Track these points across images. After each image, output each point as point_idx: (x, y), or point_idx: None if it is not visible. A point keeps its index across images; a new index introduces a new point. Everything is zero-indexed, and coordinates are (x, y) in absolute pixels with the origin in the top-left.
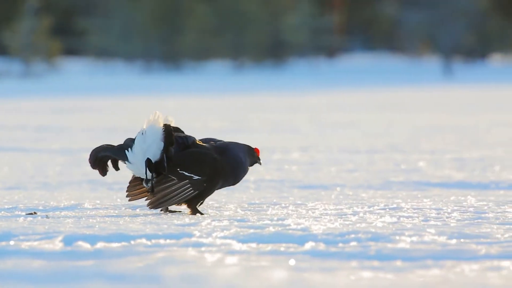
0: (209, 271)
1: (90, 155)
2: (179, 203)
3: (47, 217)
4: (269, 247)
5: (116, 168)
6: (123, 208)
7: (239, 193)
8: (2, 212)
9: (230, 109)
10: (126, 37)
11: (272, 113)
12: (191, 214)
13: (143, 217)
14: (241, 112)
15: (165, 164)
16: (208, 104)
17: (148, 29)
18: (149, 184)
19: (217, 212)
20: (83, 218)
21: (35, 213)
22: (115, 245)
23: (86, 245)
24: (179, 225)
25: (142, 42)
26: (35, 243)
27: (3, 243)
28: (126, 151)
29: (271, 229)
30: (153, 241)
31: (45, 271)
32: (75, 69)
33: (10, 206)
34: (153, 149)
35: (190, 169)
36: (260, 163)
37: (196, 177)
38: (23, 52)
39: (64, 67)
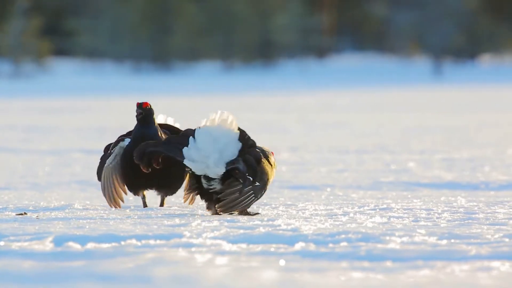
0: (200, 271)
1: (138, 149)
2: (243, 209)
3: (37, 217)
4: (259, 247)
5: (159, 164)
6: (113, 208)
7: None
8: None
9: (219, 109)
10: (115, 37)
11: (262, 114)
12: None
13: (133, 218)
14: (231, 113)
15: (242, 166)
16: (197, 105)
17: (138, 30)
18: (213, 184)
19: (207, 212)
20: (73, 219)
21: (25, 213)
22: (105, 245)
23: (77, 246)
24: (169, 226)
25: (132, 43)
26: (25, 243)
27: None
28: (186, 148)
29: (261, 229)
30: (143, 241)
31: (35, 271)
32: (64, 69)
33: (0, 207)
34: (231, 149)
35: (256, 175)
36: None
37: (258, 184)
38: (13, 52)
39: (53, 67)
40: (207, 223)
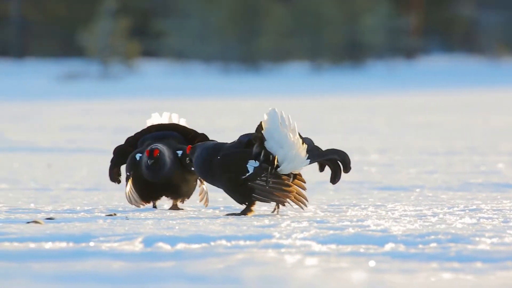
0: (289, 272)
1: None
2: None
3: (127, 218)
4: (348, 248)
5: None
6: (203, 209)
7: (319, 195)
8: (82, 213)
9: (307, 111)
10: (203, 38)
11: (350, 115)
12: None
13: (222, 219)
14: (319, 114)
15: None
16: (285, 106)
17: (226, 31)
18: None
19: (297, 213)
20: (163, 220)
21: (115, 214)
22: (195, 246)
23: (166, 246)
24: (258, 227)
25: (220, 44)
26: (115, 244)
27: (83, 244)
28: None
29: (351, 230)
30: (232, 242)
31: (124, 272)
32: (152, 70)
33: (90, 208)
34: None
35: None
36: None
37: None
38: (101, 53)
39: (141, 68)
40: (297, 224)
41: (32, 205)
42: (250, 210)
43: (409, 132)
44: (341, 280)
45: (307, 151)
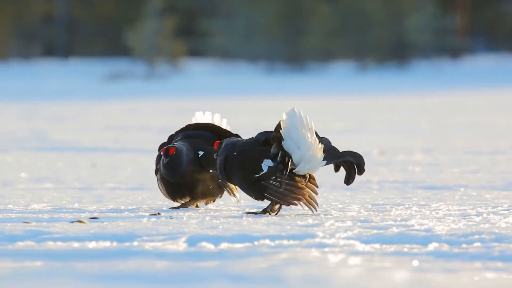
0: (332, 272)
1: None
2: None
3: (171, 218)
4: (392, 247)
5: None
6: (247, 208)
7: (363, 194)
8: (126, 212)
9: (353, 110)
10: (249, 38)
11: (395, 114)
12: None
13: (266, 218)
14: (364, 113)
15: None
16: (331, 105)
17: (271, 30)
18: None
19: (341, 212)
20: (207, 219)
21: (158, 213)
22: (238, 246)
23: (210, 246)
24: (302, 226)
25: (265, 43)
26: (159, 243)
27: (127, 243)
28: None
29: (395, 229)
30: (276, 242)
31: (168, 271)
32: (198, 70)
33: (134, 207)
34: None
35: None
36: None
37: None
38: (147, 53)
39: (187, 68)
40: (340, 223)
41: (76, 205)
42: (272, 209)
43: (453, 131)
44: (384, 280)
45: (324, 152)
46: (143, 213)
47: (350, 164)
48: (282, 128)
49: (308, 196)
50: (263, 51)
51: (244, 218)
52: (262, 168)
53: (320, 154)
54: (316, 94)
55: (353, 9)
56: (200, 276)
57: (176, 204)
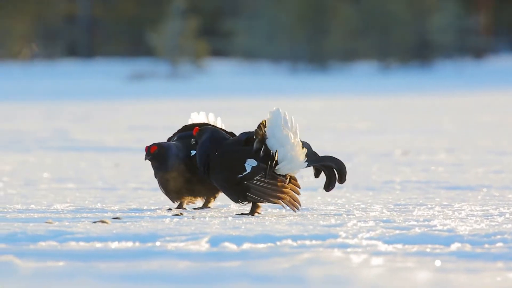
0: (354, 272)
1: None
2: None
3: (193, 218)
4: (415, 248)
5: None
6: (269, 209)
7: (385, 194)
8: (148, 213)
9: (375, 110)
10: (272, 38)
11: (418, 114)
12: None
13: (288, 218)
14: (387, 113)
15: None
16: (353, 105)
17: (294, 30)
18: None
19: (363, 213)
20: (229, 219)
21: (181, 214)
22: (261, 246)
23: (232, 246)
24: (324, 226)
25: (288, 43)
26: (181, 244)
27: (149, 243)
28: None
29: (417, 230)
30: (298, 242)
31: (191, 272)
32: (221, 70)
33: (156, 207)
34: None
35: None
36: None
37: None
38: (170, 53)
39: (210, 68)
40: (363, 224)
41: (98, 205)
42: (258, 208)
43: (477, 131)
44: (407, 280)
45: (306, 155)
46: (166, 214)
47: (331, 170)
48: (266, 127)
49: (290, 196)
50: (286, 51)
51: (267, 218)
52: (245, 168)
53: (302, 157)
54: (339, 94)
55: (376, 9)
56: (222, 276)
57: (175, 204)
